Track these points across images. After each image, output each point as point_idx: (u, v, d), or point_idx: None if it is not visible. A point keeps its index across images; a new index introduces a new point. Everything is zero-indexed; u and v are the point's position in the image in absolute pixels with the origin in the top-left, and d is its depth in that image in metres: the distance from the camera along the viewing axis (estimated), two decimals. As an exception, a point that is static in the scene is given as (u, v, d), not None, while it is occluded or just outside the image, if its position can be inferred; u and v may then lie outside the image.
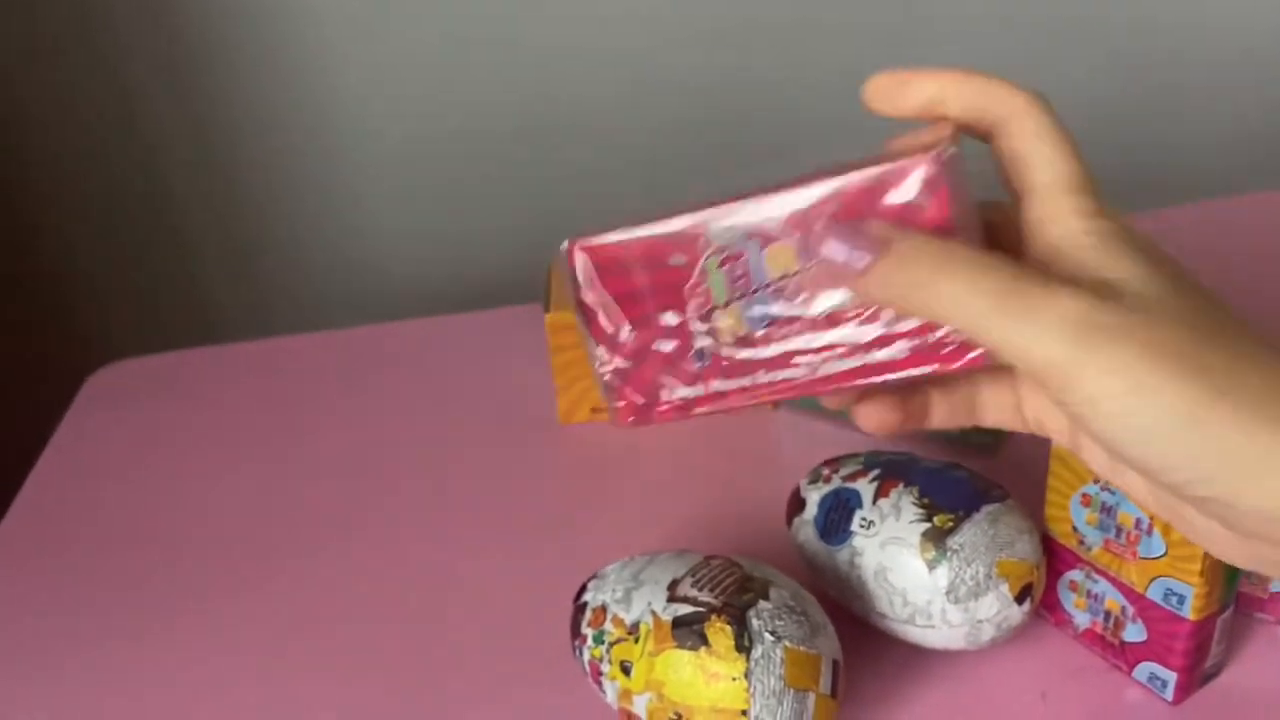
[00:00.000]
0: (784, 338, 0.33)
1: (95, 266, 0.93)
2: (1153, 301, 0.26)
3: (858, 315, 0.31)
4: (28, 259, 0.91)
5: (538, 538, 0.53)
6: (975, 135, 0.31)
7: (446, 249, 0.94)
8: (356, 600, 0.51)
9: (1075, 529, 0.43)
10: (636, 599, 0.40)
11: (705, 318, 0.33)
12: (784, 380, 0.33)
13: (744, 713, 0.37)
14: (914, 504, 0.42)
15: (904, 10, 0.88)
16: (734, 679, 0.37)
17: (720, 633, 0.38)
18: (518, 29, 0.85)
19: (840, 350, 0.32)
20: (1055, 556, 0.44)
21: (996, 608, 0.41)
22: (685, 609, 0.39)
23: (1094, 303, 0.26)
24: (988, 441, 0.56)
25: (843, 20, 0.87)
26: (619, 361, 0.34)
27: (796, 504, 0.47)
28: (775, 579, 0.40)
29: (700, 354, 0.34)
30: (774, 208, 0.31)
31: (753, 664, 0.37)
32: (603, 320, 0.34)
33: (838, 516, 0.44)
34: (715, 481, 0.56)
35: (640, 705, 0.39)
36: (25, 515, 0.58)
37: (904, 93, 0.31)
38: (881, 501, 0.43)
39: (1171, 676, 0.41)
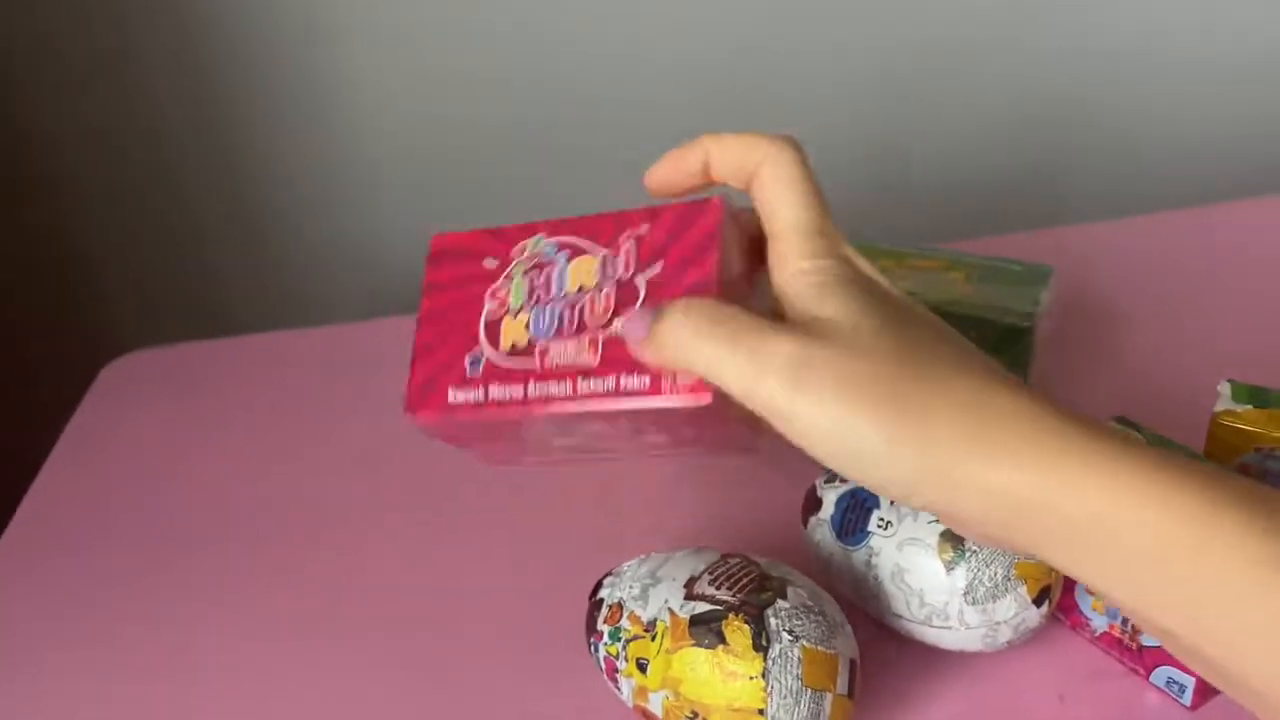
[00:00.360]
0: (559, 353, 0.37)
1: (110, 261, 0.93)
2: (859, 338, 0.29)
3: (629, 314, 0.35)
4: (43, 254, 0.92)
5: (552, 534, 0.53)
6: (742, 189, 0.34)
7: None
8: (368, 594, 0.50)
9: (1094, 531, 0.42)
10: (653, 596, 0.40)
11: (494, 323, 0.38)
12: (551, 395, 0.37)
13: (761, 712, 0.37)
14: (932, 504, 0.42)
15: None
16: (751, 678, 0.37)
17: (738, 631, 0.37)
18: (530, 22, 0.85)
19: (592, 366, 0.36)
20: (1073, 559, 0.44)
21: (1014, 610, 0.41)
22: (703, 607, 0.38)
23: (803, 342, 0.29)
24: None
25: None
26: (424, 340, 0.38)
27: (813, 503, 0.47)
28: (793, 578, 0.40)
29: (476, 360, 0.38)
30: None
31: (770, 663, 0.37)
32: (426, 300, 0.39)
33: (855, 516, 0.44)
34: (727, 480, 0.56)
35: (656, 703, 0.39)
36: (40, 503, 0.58)
37: (681, 172, 0.35)
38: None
39: (1190, 681, 0.41)
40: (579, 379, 0.37)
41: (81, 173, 0.89)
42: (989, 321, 0.53)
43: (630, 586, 0.41)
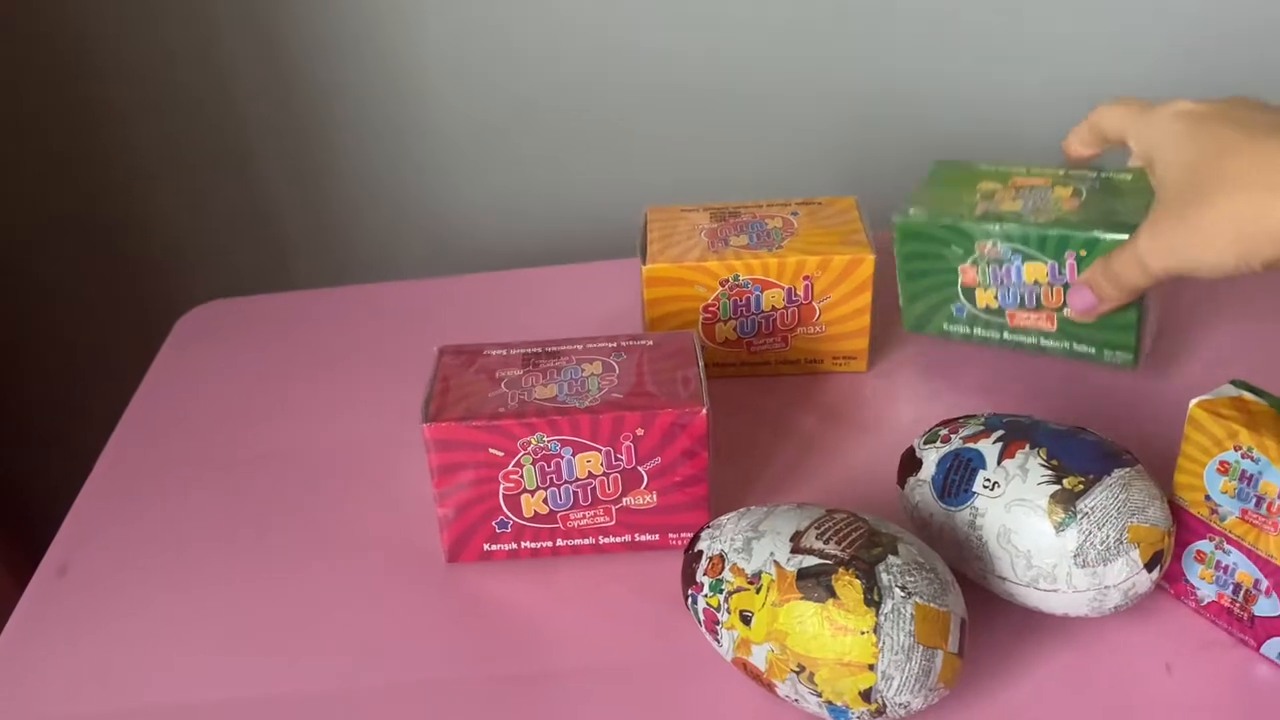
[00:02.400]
0: (579, 518, 0.47)
1: (186, 223, 0.94)
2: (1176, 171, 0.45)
3: (637, 493, 0.46)
4: (128, 214, 0.93)
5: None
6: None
7: (522, 211, 0.94)
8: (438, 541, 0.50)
9: (1208, 497, 0.41)
10: (758, 549, 0.39)
11: (513, 498, 0.46)
12: (575, 545, 0.48)
13: (871, 667, 0.36)
14: (1042, 465, 0.41)
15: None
16: (862, 633, 0.36)
17: (849, 586, 0.37)
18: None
19: (609, 525, 0.47)
20: (1182, 526, 0.43)
21: (1125, 574, 0.40)
22: (811, 560, 0.38)
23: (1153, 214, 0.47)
24: (1129, 357, 0.55)
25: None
26: (445, 511, 0.47)
27: (911, 464, 0.46)
28: (903, 535, 0.39)
29: (503, 523, 0.47)
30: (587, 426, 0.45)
31: (882, 618, 0.36)
32: (437, 480, 0.46)
33: (958, 477, 0.43)
34: (807, 443, 0.55)
35: (760, 656, 0.39)
36: (124, 446, 0.59)
37: (1094, 139, 0.52)
38: (1007, 462, 0.42)
39: (1305, 653, 0.40)
40: (599, 536, 0.47)
41: (159, 141, 0.90)
42: (1096, 240, 0.51)
43: (732, 539, 0.41)
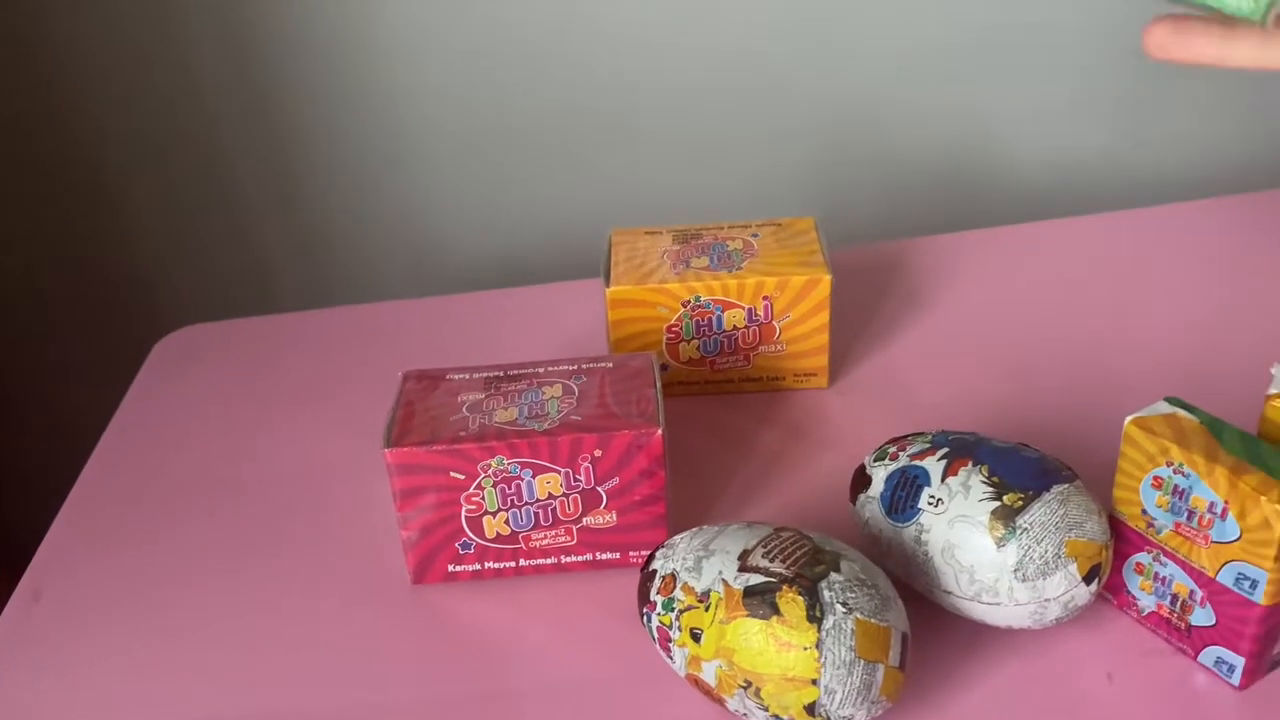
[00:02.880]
0: (540, 538, 0.48)
1: (163, 244, 0.95)
2: None
3: (597, 512, 0.47)
4: (104, 238, 0.94)
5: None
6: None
7: (497, 230, 0.95)
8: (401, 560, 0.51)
9: (1144, 511, 0.43)
10: (707, 568, 0.41)
11: (475, 519, 0.47)
12: (538, 564, 0.49)
13: (814, 682, 0.38)
14: (983, 482, 0.43)
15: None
16: (805, 648, 0.37)
17: (792, 603, 0.38)
18: (572, 13, 0.86)
19: (571, 545, 0.48)
20: (1122, 539, 0.44)
21: (1064, 587, 0.41)
22: (757, 579, 0.39)
23: None
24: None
25: None
26: (409, 534, 0.48)
27: (862, 481, 0.47)
28: (845, 552, 0.40)
29: (466, 544, 0.48)
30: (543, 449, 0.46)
31: (824, 634, 0.38)
32: (400, 503, 0.47)
33: (905, 494, 0.45)
34: (772, 460, 0.56)
35: (709, 672, 0.40)
36: (100, 472, 0.60)
37: (1180, 44, 0.36)
38: (950, 479, 0.43)
39: (1239, 661, 0.41)
40: (561, 555, 0.49)
41: (132, 159, 0.91)
42: None
43: (684, 559, 0.42)
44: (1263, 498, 0.38)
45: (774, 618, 0.38)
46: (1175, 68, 0.90)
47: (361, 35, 0.87)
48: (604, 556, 0.49)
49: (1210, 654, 0.42)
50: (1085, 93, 0.91)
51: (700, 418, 0.60)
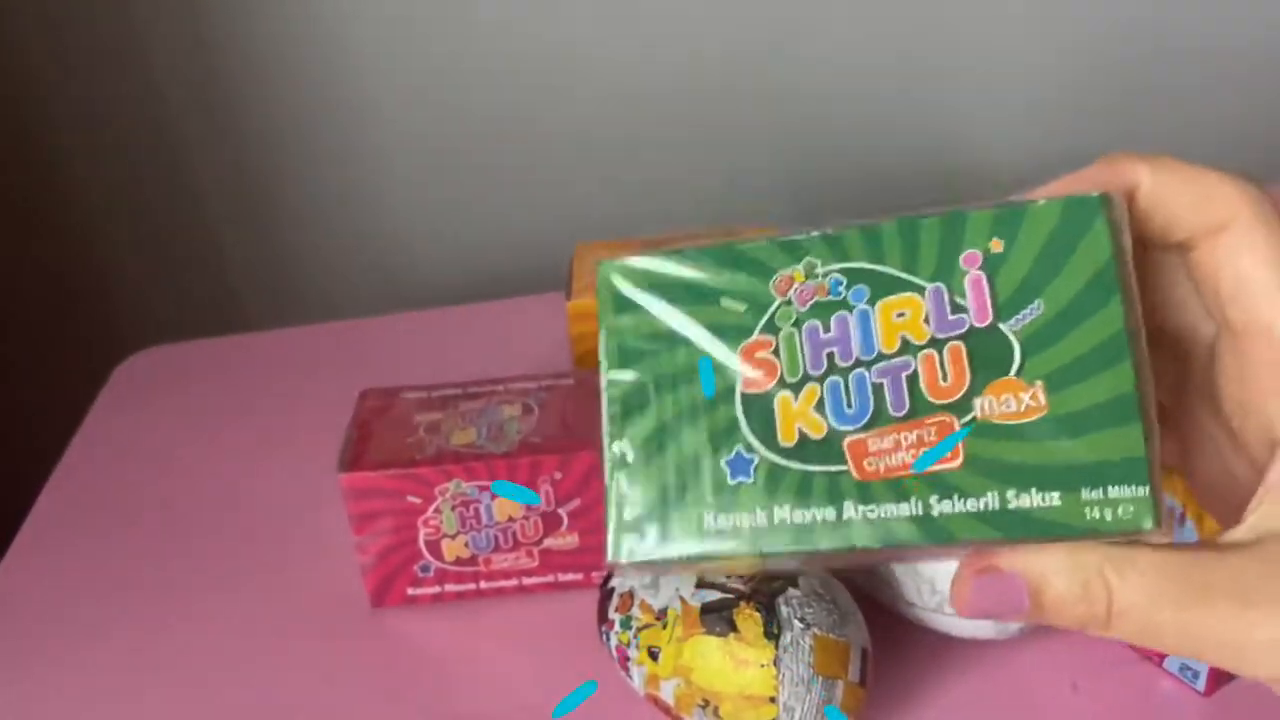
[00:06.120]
0: (501, 560, 0.47)
1: (123, 262, 0.94)
2: None
3: (558, 534, 0.47)
4: (58, 255, 0.93)
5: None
6: (1161, 241, 0.24)
7: (463, 245, 0.95)
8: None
9: (1106, 518, 0.42)
10: (664, 584, 0.40)
11: (434, 543, 0.46)
12: (499, 586, 0.48)
13: (772, 699, 0.37)
14: (943, 492, 0.42)
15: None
16: (762, 665, 0.37)
17: (749, 619, 0.37)
18: (543, 16, 0.85)
19: (532, 566, 0.47)
20: (1085, 546, 0.43)
21: (1026, 597, 0.41)
22: (714, 595, 0.39)
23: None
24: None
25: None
26: (366, 558, 0.47)
27: (824, 492, 0.47)
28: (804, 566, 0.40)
29: (425, 567, 0.47)
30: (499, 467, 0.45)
31: (781, 651, 0.37)
32: (356, 527, 0.46)
33: (866, 505, 0.44)
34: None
35: (668, 691, 0.39)
36: (57, 497, 0.59)
37: (1111, 175, 0.24)
38: (910, 490, 0.43)
39: (1203, 668, 0.41)
40: (522, 577, 0.48)
41: (93, 174, 0.90)
42: None
43: (641, 575, 0.41)
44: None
45: (731, 634, 0.37)
46: (1166, 68, 0.91)
47: (326, 53, 0.87)
48: (566, 578, 0.48)
49: (1175, 661, 0.42)
50: (1071, 95, 0.91)
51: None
